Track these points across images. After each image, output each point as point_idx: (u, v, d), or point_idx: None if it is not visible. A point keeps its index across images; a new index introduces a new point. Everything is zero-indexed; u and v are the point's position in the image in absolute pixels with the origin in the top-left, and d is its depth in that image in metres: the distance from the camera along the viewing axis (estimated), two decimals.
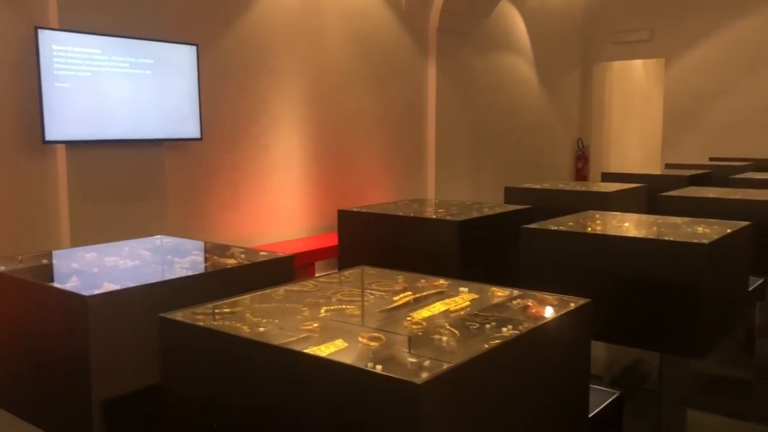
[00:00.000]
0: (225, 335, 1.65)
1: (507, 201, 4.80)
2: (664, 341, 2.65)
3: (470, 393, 1.37)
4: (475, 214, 3.49)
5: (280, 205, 6.11)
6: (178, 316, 1.85)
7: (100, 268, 2.58)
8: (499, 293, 2.34)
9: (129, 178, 4.89)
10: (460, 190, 8.01)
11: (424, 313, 2.34)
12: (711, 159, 8.60)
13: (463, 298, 2.44)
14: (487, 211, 3.65)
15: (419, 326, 2.20)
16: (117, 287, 2.09)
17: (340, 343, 2.02)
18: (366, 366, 1.39)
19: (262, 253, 2.58)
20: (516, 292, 2.28)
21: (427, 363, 1.83)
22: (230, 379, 1.60)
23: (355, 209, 3.68)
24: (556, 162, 10.40)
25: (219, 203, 5.60)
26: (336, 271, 2.61)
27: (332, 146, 6.56)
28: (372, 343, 2.03)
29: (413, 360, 1.90)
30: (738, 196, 4.28)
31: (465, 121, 8.13)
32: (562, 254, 2.85)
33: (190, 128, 5.21)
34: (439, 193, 7.69)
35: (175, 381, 1.70)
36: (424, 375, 1.25)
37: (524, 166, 9.32)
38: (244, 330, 2.10)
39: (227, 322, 2.07)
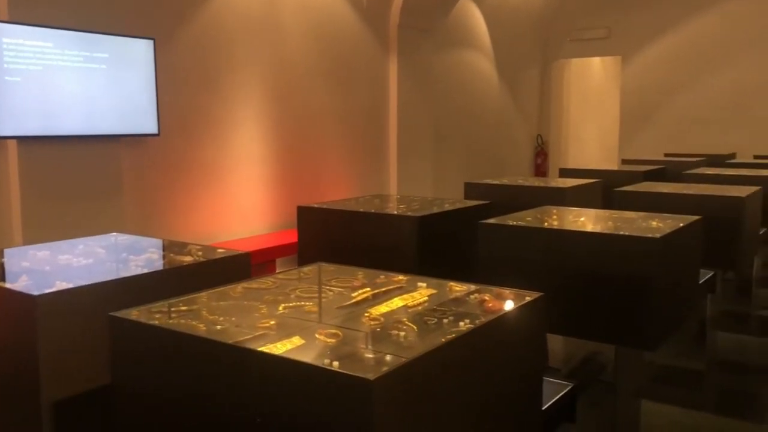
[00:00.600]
0: (175, 333, 1.63)
1: (467, 196, 4.83)
2: (618, 334, 2.71)
3: (424, 387, 1.37)
4: (434, 210, 3.51)
5: (240, 201, 6.06)
6: (132, 314, 1.82)
7: (52, 266, 2.53)
8: (457, 288, 2.36)
9: (83, 175, 4.80)
10: (422, 186, 8.04)
11: (383, 308, 2.35)
12: (666, 155, 8.80)
13: (421, 294, 2.45)
14: (446, 207, 3.67)
15: (377, 322, 2.21)
16: (69, 286, 2.05)
17: (296, 340, 2.01)
18: (320, 363, 1.39)
19: (219, 250, 2.56)
20: (473, 287, 2.30)
21: (383, 358, 1.84)
22: (182, 379, 1.59)
23: (315, 205, 3.66)
24: (516, 158, 10.51)
25: (177, 200, 5.53)
26: (293, 268, 2.59)
27: (293, 142, 6.53)
28: (329, 340, 2.03)
29: (370, 356, 1.91)
30: (690, 191, 4.38)
31: (426, 118, 8.17)
32: (519, 249, 2.89)
33: (147, 124, 5.13)
34: (401, 189, 7.72)
35: (127, 381, 1.68)
36: (378, 371, 1.26)
37: (485, 162, 9.40)
38: (201, 328, 2.09)
39: (183, 320, 2.05)
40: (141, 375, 1.66)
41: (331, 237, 3.49)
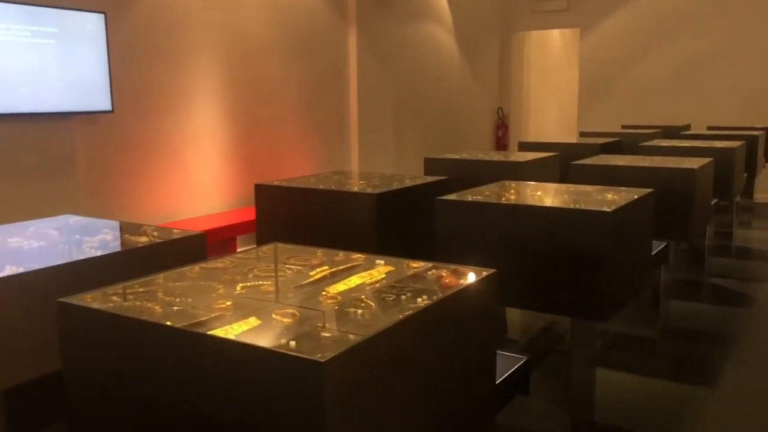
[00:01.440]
0: (124, 319, 1.61)
1: (427, 172, 4.85)
2: (572, 306, 2.77)
3: (376, 367, 1.39)
4: (393, 187, 3.52)
5: (198, 178, 5.98)
6: (82, 299, 1.80)
7: (1, 250, 2.48)
8: (414, 266, 2.38)
9: (34, 154, 4.68)
10: (384, 160, 8.04)
11: (340, 287, 2.36)
12: (623, 126, 8.92)
13: (378, 271, 2.47)
14: (405, 183, 3.68)
15: (334, 300, 2.22)
16: (18, 270, 2.01)
17: (253, 321, 2.01)
18: (270, 345, 1.39)
19: (174, 231, 2.53)
20: (429, 264, 2.32)
21: (338, 338, 1.85)
22: (133, 365, 1.57)
23: (272, 183, 3.64)
24: (476, 131, 10.55)
25: (133, 178, 5.44)
26: (252, 247, 2.58)
27: (251, 117, 6.45)
28: (285, 320, 2.03)
29: (327, 335, 1.92)
30: (643, 164, 4.46)
31: (387, 91, 8.13)
32: (475, 224, 2.92)
33: (100, 100, 5.01)
34: (363, 163, 7.71)
35: (77, 368, 1.66)
36: (330, 352, 1.26)
37: (446, 135, 9.42)
38: (156, 310, 2.07)
39: (138, 303, 2.03)
40: (91, 361, 1.64)
41: (289, 215, 3.48)
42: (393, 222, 3.29)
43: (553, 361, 4.10)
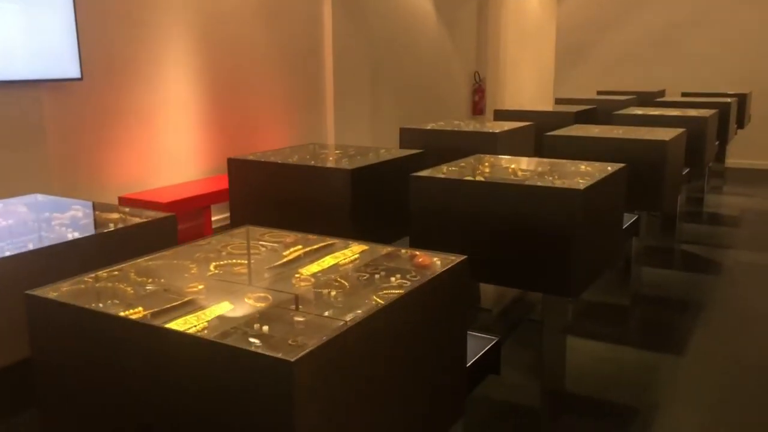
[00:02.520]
0: (90, 313, 1.60)
1: (402, 142, 4.84)
2: (543, 283, 2.81)
3: (346, 363, 1.40)
4: (368, 161, 3.50)
5: (171, 146, 5.91)
6: (57, 289, 1.78)
7: None
8: (387, 250, 2.38)
9: (1, 124, 4.58)
10: (360, 128, 7.99)
11: (313, 268, 2.37)
12: (599, 92, 8.95)
13: (353, 251, 2.48)
14: (380, 157, 3.67)
15: (307, 282, 2.22)
16: None
17: (225, 306, 2.02)
18: (238, 343, 1.39)
19: (147, 212, 2.49)
20: (402, 250, 2.32)
21: (313, 321, 1.86)
22: (100, 359, 1.56)
23: (246, 157, 3.61)
24: (454, 95, 10.51)
25: (105, 148, 5.35)
26: (225, 233, 2.56)
27: (224, 83, 6.35)
28: (258, 304, 2.04)
29: (300, 319, 1.93)
30: (616, 135, 4.49)
31: (363, 57, 8.04)
32: (449, 201, 2.93)
33: (68, 67, 4.89)
34: (339, 131, 7.65)
35: (46, 360, 1.65)
36: (298, 351, 1.27)
37: (423, 101, 9.37)
38: (128, 292, 2.06)
39: (111, 284, 2.02)
40: (61, 354, 1.64)
41: (263, 190, 3.46)
42: (368, 197, 3.29)
43: (525, 331, 4.16)
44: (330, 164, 3.49)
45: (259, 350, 1.31)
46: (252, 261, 2.41)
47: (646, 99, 7.81)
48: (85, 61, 4.97)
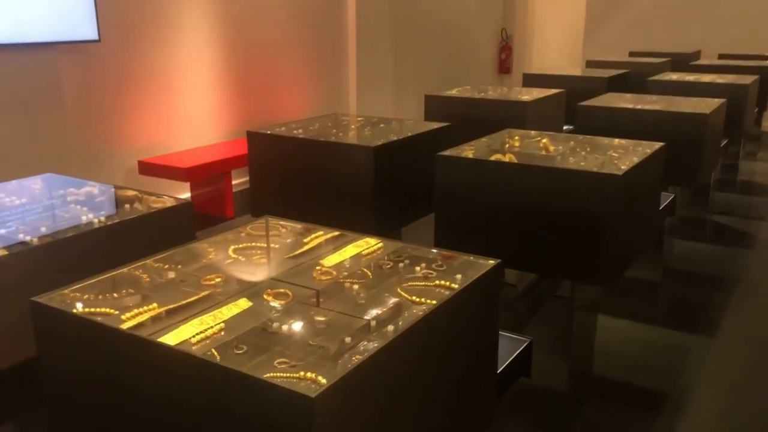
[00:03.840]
0: (98, 326, 1.50)
1: (427, 110, 4.67)
2: (573, 271, 2.67)
3: (372, 391, 1.30)
4: (391, 138, 3.35)
5: (190, 109, 5.79)
6: (62, 295, 1.69)
7: None
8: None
9: (17, 88, 4.48)
10: (383, 87, 7.79)
11: (335, 258, 2.26)
12: (631, 54, 8.62)
13: (376, 239, 2.37)
14: (406, 129, 3.52)
15: (329, 276, 2.12)
16: None
17: (243, 303, 1.92)
18: (257, 374, 1.28)
19: (164, 197, 2.37)
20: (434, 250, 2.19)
21: (335, 320, 1.76)
22: (108, 375, 1.48)
23: (265, 131, 3.47)
24: (479, 54, 10.21)
25: (122, 110, 5.25)
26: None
27: (244, 46, 6.18)
28: (278, 301, 1.94)
29: (321, 318, 1.83)
30: (653, 107, 4.28)
31: (386, 14, 7.78)
32: (476, 182, 2.79)
33: (86, 29, 4.76)
34: (360, 96, 7.45)
35: (54, 368, 1.56)
36: (320, 381, 1.17)
37: (448, 58, 9.11)
38: (143, 280, 1.97)
39: (126, 276, 1.92)
40: (68, 365, 1.55)
41: (283, 165, 3.33)
42: (391, 174, 3.15)
43: (551, 308, 4.05)
44: (352, 140, 3.34)
45: (278, 382, 1.21)
46: (271, 251, 2.31)
47: (680, 61, 7.50)
48: (102, 23, 4.84)
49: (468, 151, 3.10)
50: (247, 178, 6.27)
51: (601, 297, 4.11)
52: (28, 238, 2.01)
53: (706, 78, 5.77)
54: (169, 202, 2.25)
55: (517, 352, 1.94)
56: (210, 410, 1.28)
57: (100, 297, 1.79)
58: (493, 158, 3.00)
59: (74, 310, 1.60)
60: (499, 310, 1.77)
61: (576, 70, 7.34)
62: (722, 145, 4.98)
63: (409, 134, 3.40)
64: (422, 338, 1.46)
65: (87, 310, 1.72)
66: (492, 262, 1.71)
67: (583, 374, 3.24)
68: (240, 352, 1.72)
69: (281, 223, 2.40)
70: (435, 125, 3.54)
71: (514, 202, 2.71)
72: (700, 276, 4.50)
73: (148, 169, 5.28)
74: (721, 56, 8.18)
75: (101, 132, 5.11)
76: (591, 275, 2.62)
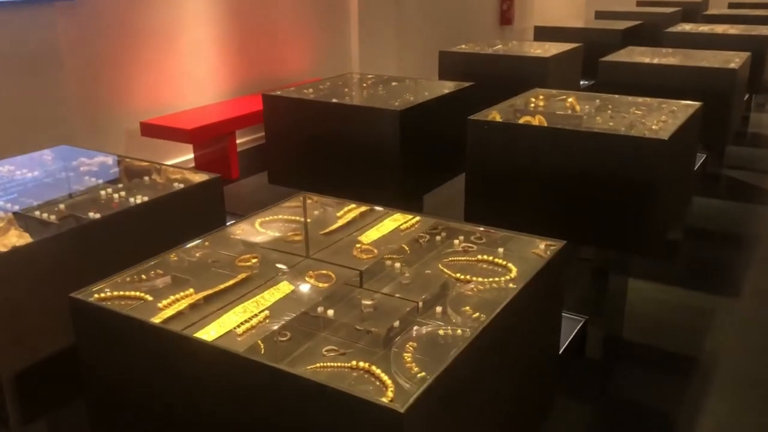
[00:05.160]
0: (138, 323, 1.39)
1: (441, 66, 4.50)
2: (617, 240, 2.56)
3: (455, 394, 1.20)
4: (417, 99, 3.19)
5: (192, 67, 5.57)
6: (100, 289, 1.57)
7: None
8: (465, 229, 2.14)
9: (12, 48, 4.27)
10: (386, 44, 7.55)
11: (373, 234, 2.15)
12: (639, 3, 8.39)
13: (412, 214, 2.26)
14: (427, 90, 3.37)
15: (369, 254, 2.01)
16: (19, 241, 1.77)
17: (285, 287, 1.81)
18: (340, 386, 1.16)
19: (195, 174, 2.21)
20: (481, 228, 2.08)
21: (382, 303, 1.67)
22: (159, 376, 1.37)
23: (282, 94, 3.31)
24: (481, 4, 9.93)
25: (123, 68, 5.04)
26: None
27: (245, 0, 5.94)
28: (321, 284, 1.84)
29: (368, 302, 1.73)
30: (680, 62, 4.13)
31: None
32: (511, 148, 2.66)
33: None
34: (364, 45, 7.22)
35: (96, 368, 1.46)
36: (409, 393, 1.06)
37: (450, 11, 8.84)
38: (174, 261, 1.85)
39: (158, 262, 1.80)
40: (110, 361, 1.44)
41: (302, 130, 3.17)
42: (418, 139, 3.02)
43: (574, 271, 3.97)
44: (375, 103, 3.18)
45: (365, 396, 1.10)
46: (304, 228, 2.19)
47: (691, 11, 7.30)
48: None
49: (495, 113, 2.96)
50: (251, 137, 6.13)
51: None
52: (53, 219, 1.89)
53: (721, 29, 5.60)
54: (198, 178, 2.12)
55: (575, 332, 1.85)
56: (281, 420, 1.18)
57: (136, 286, 1.69)
58: (522, 121, 2.86)
59: (112, 306, 1.49)
60: (563, 292, 1.67)
61: (585, 21, 7.14)
62: (745, 99, 4.85)
63: (434, 96, 3.25)
64: (499, 332, 1.36)
65: (125, 301, 1.62)
66: (557, 243, 1.60)
67: (614, 338, 3.17)
68: (284, 339, 1.62)
69: (309, 196, 2.27)
70: (459, 85, 3.39)
71: (552, 168, 2.58)
72: (719, 234, 4.41)
73: (150, 130, 5.10)
74: (731, 5, 7.97)
75: (102, 91, 4.92)
76: (637, 245, 2.51)
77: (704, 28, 5.66)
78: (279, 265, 1.88)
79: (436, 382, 1.12)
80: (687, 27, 5.80)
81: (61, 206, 2.11)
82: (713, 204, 4.92)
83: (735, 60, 4.02)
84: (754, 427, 2.55)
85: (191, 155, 5.42)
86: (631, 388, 2.75)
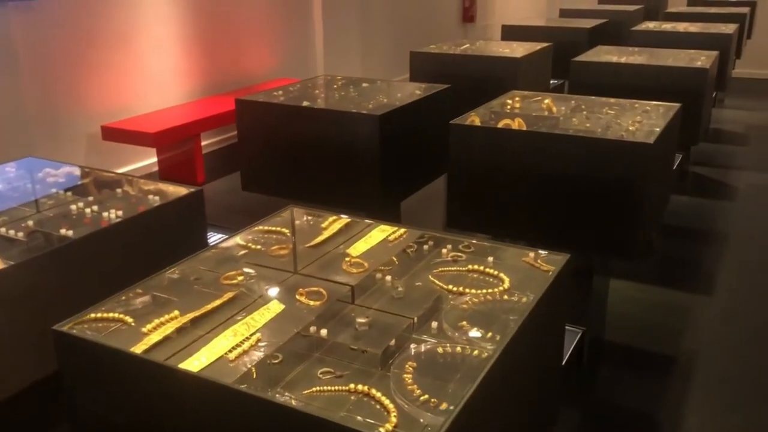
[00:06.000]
0: (126, 355, 1.30)
1: (413, 66, 4.45)
2: (602, 246, 2.54)
3: (475, 421, 1.15)
4: (395, 104, 3.11)
5: (154, 68, 5.41)
6: (84, 319, 1.47)
7: None
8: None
9: None
10: (350, 45, 7.47)
11: (361, 246, 2.08)
12: (600, 0, 8.46)
13: (397, 225, 2.20)
14: (406, 99, 3.29)
15: (360, 269, 1.94)
16: None
17: (275, 307, 1.73)
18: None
19: (180, 189, 2.10)
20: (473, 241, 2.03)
21: (377, 321, 1.60)
22: (149, 408, 1.29)
23: (257, 98, 3.20)
24: (443, 1, 9.90)
25: (82, 70, 4.86)
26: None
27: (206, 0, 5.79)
28: (312, 302, 1.76)
29: (362, 320, 1.66)
30: (651, 61, 4.14)
31: None
32: (494, 152, 2.61)
33: None
34: (328, 45, 7.12)
35: (82, 400, 1.36)
36: (417, 420, 0.99)
37: (413, 9, 8.79)
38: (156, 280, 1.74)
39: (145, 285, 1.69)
40: (97, 395, 1.35)
41: (277, 136, 3.07)
42: (396, 143, 2.95)
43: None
44: (353, 108, 3.10)
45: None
46: (289, 240, 2.10)
47: (651, 9, 7.39)
48: None
49: (474, 116, 2.91)
50: (215, 140, 5.99)
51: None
52: (21, 236, 1.77)
53: (683, 27, 5.67)
54: (173, 190, 2.02)
55: (574, 343, 1.81)
56: None
57: (113, 306, 1.59)
58: (502, 124, 2.82)
59: (91, 330, 1.39)
60: (566, 305, 1.63)
61: (549, 20, 7.16)
62: (713, 96, 4.92)
63: (408, 98, 3.19)
64: (515, 353, 1.31)
65: (103, 323, 1.52)
66: (562, 257, 1.55)
67: (595, 339, 3.15)
68: (276, 362, 1.55)
69: (296, 209, 2.20)
70: (434, 87, 3.33)
71: (537, 173, 2.54)
72: (688, 230, 4.45)
73: (112, 134, 4.93)
74: (690, 2, 8.10)
75: (61, 95, 4.73)
76: (622, 250, 2.48)
77: (668, 26, 5.73)
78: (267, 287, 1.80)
79: (459, 416, 1.05)
80: (651, 25, 5.85)
81: (29, 222, 1.99)
82: (682, 200, 4.97)
83: (702, 58, 4.06)
84: (736, 424, 2.57)
85: (155, 159, 5.27)
86: (614, 390, 2.74)
